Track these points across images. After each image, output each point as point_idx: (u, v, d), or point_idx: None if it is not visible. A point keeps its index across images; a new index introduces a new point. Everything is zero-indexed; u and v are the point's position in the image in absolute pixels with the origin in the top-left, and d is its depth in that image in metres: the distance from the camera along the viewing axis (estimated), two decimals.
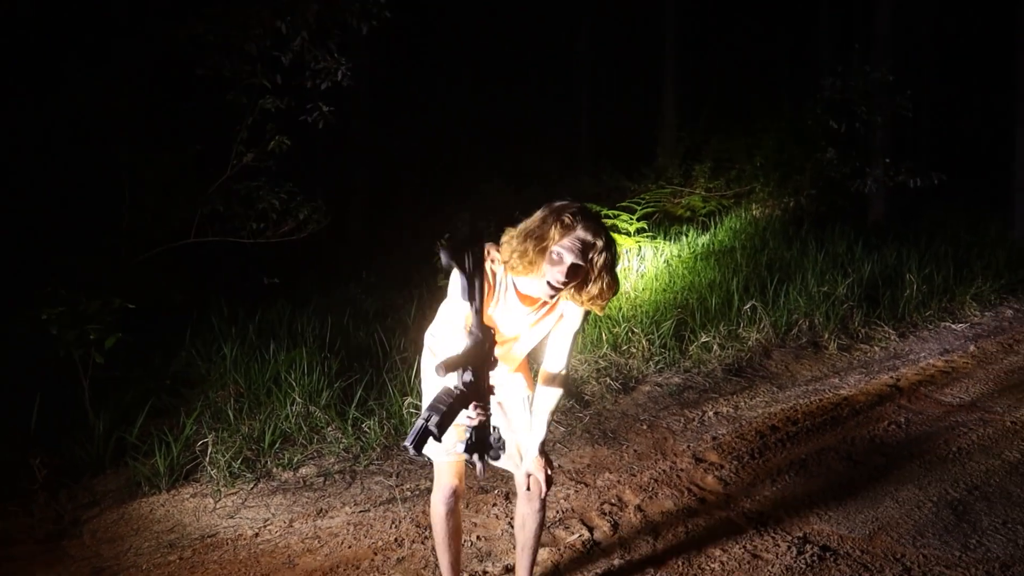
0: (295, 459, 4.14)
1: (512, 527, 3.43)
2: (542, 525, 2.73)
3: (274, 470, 4.07)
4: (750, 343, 5.94)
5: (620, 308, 6.26)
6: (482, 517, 3.59)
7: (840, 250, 8.10)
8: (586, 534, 3.43)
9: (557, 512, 3.62)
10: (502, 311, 2.44)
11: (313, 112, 5.83)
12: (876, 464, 4.13)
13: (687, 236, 8.67)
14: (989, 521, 3.51)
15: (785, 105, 10.07)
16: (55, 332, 4.19)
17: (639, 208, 8.44)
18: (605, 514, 3.61)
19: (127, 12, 5.50)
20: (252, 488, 3.91)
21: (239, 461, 4.04)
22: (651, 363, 5.55)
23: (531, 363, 2.76)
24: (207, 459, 4.02)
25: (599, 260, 2.25)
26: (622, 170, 10.90)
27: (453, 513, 2.66)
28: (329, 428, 4.42)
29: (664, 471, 4.05)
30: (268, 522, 3.60)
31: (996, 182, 10.44)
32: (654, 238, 8.42)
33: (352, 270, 8.15)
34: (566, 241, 2.23)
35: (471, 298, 2.15)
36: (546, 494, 2.57)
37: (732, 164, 10.29)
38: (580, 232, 2.24)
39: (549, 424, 2.57)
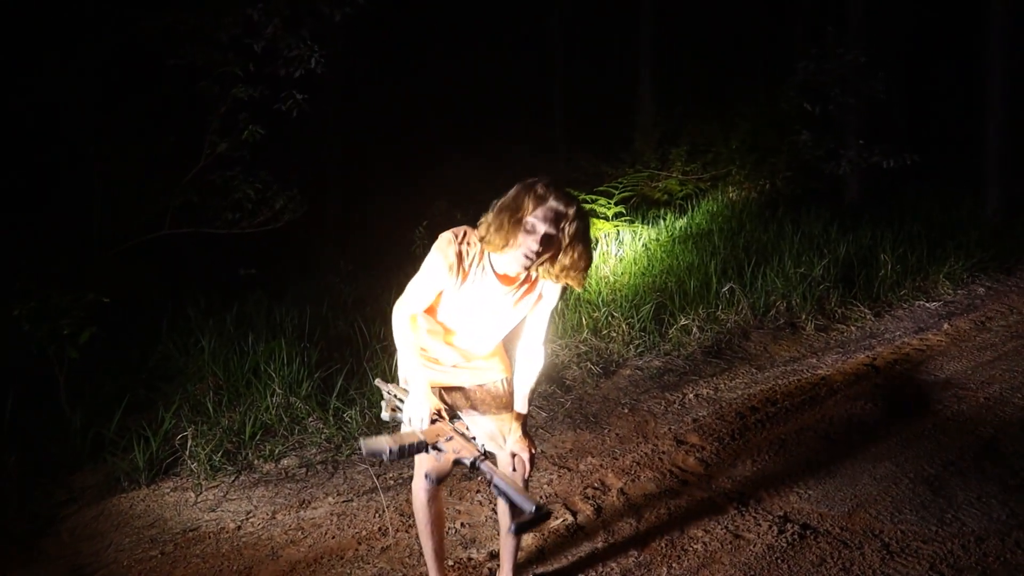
0: (276, 451, 4.12)
1: (495, 513, 3.44)
2: None
3: (255, 462, 4.05)
4: (729, 325, 5.98)
5: (600, 292, 6.28)
6: (466, 504, 3.60)
7: (816, 231, 8.16)
8: (570, 518, 3.45)
9: (540, 497, 3.63)
10: (478, 292, 2.45)
11: (287, 100, 5.77)
12: (854, 442, 4.18)
13: (665, 220, 8.70)
14: (964, 496, 3.57)
15: (761, 88, 10.09)
16: (27, 328, 4.12)
17: (617, 192, 8.46)
18: (588, 498, 3.63)
19: (100, 2, 5.42)
20: (233, 481, 3.88)
21: (219, 454, 4.01)
22: (631, 347, 5.57)
23: (507, 346, 2.75)
24: (187, 453, 3.98)
25: (570, 229, 2.30)
26: (599, 155, 10.89)
27: (435, 499, 2.67)
28: (310, 419, 4.40)
29: (646, 454, 4.08)
30: (250, 514, 3.58)
31: (970, 163, 10.53)
32: (632, 222, 8.44)
33: (330, 259, 8.09)
34: (539, 211, 2.28)
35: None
36: (529, 474, 2.58)
37: (708, 147, 10.31)
38: (552, 203, 2.29)
39: (531, 402, 2.58)
